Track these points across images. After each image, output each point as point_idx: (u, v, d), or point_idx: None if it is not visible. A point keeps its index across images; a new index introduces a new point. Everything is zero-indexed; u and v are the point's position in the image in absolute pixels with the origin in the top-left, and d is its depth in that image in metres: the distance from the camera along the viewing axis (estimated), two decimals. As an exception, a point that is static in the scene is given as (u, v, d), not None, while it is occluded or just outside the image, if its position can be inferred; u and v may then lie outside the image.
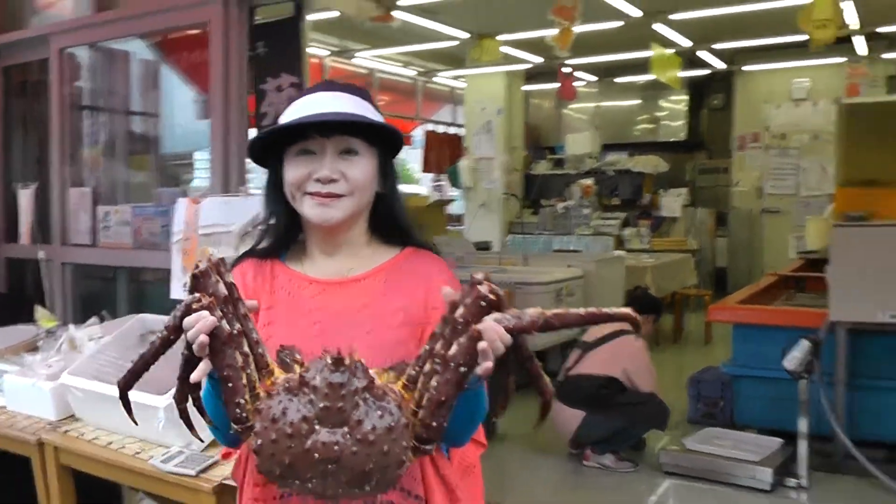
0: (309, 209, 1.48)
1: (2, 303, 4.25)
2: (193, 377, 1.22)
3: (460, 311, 1.20)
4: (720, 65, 10.92)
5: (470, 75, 11.66)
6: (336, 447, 1.16)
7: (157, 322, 2.84)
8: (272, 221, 1.58)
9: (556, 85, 10.32)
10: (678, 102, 11.67)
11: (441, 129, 12.55)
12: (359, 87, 1.58)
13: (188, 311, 1.19)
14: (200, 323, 1.18)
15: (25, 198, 4.20)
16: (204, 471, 2.25)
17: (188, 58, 3.95)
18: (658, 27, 8.73)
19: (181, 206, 3.15)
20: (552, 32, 7.18)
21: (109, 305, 3.70)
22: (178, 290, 3.13)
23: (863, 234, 4.31)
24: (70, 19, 4.12)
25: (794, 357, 3.95)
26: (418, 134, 12.15)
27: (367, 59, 10.64)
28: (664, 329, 7.99)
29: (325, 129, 1.46)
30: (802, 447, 4.00)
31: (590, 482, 4.31)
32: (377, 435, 1.16)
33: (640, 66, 9.52)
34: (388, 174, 1.55)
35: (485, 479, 1.68)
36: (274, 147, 1.52)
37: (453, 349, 1.17)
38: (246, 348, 1.22)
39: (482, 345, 1.15)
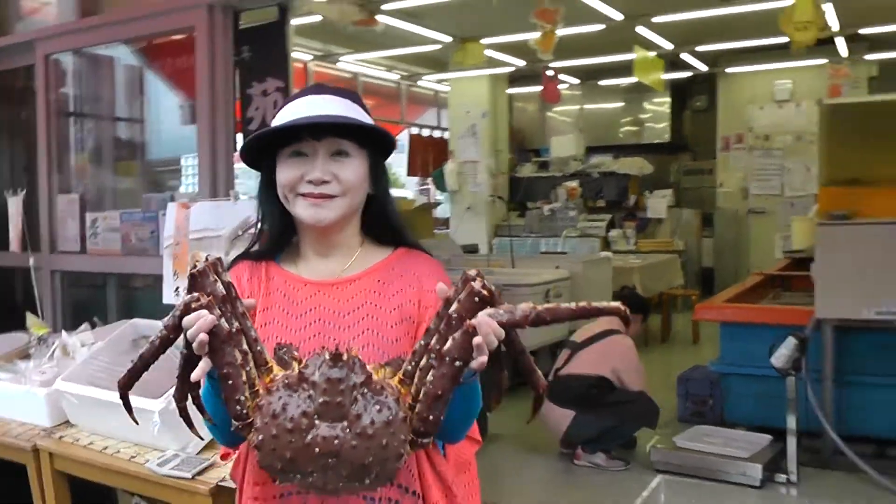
0: (302, 210, 1.50)
1: (-8, 311, 4.25)
2: (193, 376, 1.24)
3: (454, 306, 1.22)
4: (703, 67, 10.99)
5: (454, 79, 11.66)
6: (336, 441, 1.18)
7: (149, 327, 2.85)
8: (266, 224, 1.60)
9: (540, 88, 10.38)
10: (661, 104, 11.72)
11: (426, 132, 12.56)
12: (349, 90, 1.60)
13: (187, 310, 1.21)
14: (200, 321, 1.20)
15: (14, 205, 4.16)
16: (200, 473, 2.26)
17: (173, 63, 3.96)
18: (640, 30, 8.78)
19: (171, 211, 3.16)
20: (535, 36, 7.20)
21: (100, 312, 3.71)
22: (170, 295, 3.13)
23: (847, 233, 4.33)
24: (55, 25, 4.11)
25: (782, 354, 3.97)
26: (403, 138, 12.12)
27: (350, 63, 10.63)
28: (652, 329, 8.02)
29: (317, 132, 1.48)
30: (791, 443, 4.02)
31: (581, 481, 4.32)
32: (376, 429, 1.18)
33: (624, 69, 9.53)
34: (379, 176, 1.57)
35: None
36: (267, 150, 1.53)
37: (448, 344, 1.19)
38: (245, 346, 1.24)
39: (477, 339, 1.17)
